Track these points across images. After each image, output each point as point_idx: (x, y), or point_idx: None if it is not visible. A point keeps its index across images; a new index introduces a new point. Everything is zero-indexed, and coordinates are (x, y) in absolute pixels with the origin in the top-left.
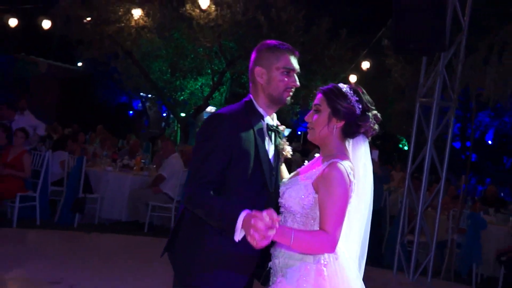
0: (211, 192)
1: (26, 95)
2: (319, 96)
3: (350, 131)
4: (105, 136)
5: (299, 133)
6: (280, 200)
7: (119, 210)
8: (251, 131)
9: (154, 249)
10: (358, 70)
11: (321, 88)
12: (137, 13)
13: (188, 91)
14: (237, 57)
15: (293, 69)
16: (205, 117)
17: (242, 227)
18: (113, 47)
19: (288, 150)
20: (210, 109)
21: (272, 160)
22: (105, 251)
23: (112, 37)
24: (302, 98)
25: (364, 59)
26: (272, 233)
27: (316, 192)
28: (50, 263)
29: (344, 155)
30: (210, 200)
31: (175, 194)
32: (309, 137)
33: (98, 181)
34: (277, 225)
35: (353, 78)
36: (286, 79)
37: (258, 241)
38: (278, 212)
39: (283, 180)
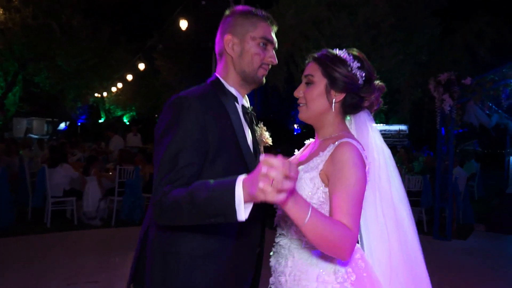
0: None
1: None
2: (311, 64)
3: (352, 105)
4: None
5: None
6: None
7: None
8: (227, 117)
9: None
10: (134, 70)
11: (312, 55)
12: None
13: None
14: (29, 59)
15: (272, 42)
16: None
17: (244, 200)
18: None
19: (267, 137)
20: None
21: (252, 150)
22: None
23: None
24: (84, 95)
25: (140, 61)
26: (290, 184)
27: (326, 185)
28: None
29: (351, 135)
30: (188, 190)
31: None
32: (300, 115)
33: None
34: (295, 175)
35: (129, 77)
36: (262, 52)
37: (272, 191)
38: (270, 211)
39: None
